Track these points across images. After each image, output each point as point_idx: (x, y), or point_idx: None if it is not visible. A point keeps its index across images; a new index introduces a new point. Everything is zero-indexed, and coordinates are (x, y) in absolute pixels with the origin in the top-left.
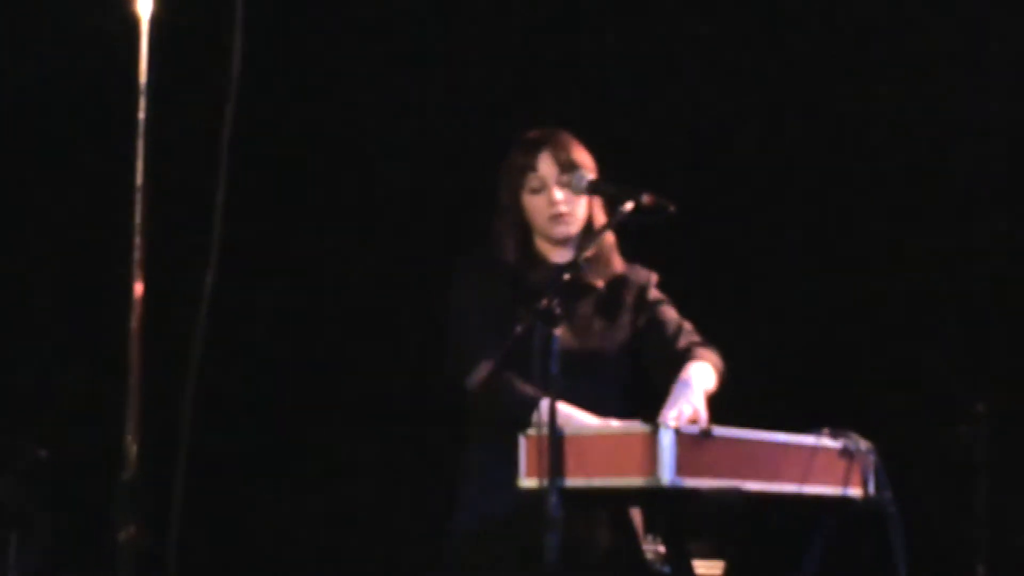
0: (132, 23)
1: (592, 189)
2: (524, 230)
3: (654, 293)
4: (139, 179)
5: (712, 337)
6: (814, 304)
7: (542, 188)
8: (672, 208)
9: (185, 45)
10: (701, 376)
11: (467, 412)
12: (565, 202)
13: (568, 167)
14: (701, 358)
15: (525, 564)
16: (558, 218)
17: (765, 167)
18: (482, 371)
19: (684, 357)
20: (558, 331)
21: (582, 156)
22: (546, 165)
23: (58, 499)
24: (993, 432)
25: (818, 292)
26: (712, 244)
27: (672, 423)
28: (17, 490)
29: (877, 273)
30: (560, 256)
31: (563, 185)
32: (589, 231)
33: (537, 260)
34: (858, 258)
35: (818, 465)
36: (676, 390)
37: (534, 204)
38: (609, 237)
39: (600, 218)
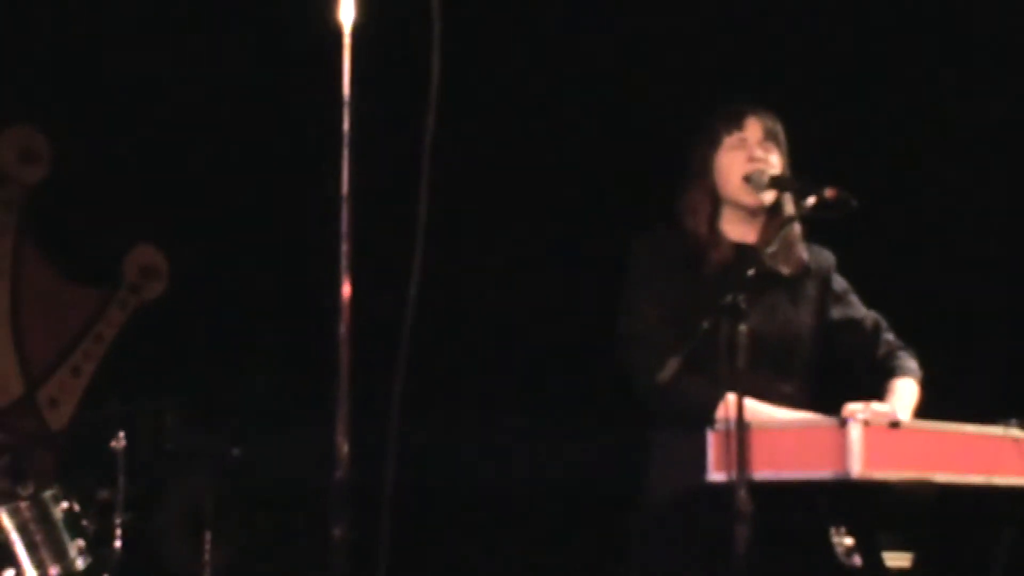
0: (335, 33)
1: (774, 184)
2: (714, 202)
3: (839, 282)
4: (345, 188)
5: (900, 327)
6: (1000, 294)
7: (741, 147)
8: (855, 203)
9: (385, 52)
10: (907, 396)
11: (649, 402)
12: (764, 159)
13: (771, 135)
14: (905, 372)
15: (714, 553)
16: (750, 176)
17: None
18: (671, 368)
19: (886, 364)
20: (746, 324)
21: (782, 132)
22: (752, 128)
23: (255, 498)
24: None
25: (1007, 284)
26: (898, 236)
27: (860, 416)
28: (210, 489)
29: None
30: (743, 234)
31: (746, 181)
32: (773, 219)
33: (720, 238)
34: None
35: (1007, 456)
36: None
37: (729, 160)
38: (795, 227)
39: (789, 208)
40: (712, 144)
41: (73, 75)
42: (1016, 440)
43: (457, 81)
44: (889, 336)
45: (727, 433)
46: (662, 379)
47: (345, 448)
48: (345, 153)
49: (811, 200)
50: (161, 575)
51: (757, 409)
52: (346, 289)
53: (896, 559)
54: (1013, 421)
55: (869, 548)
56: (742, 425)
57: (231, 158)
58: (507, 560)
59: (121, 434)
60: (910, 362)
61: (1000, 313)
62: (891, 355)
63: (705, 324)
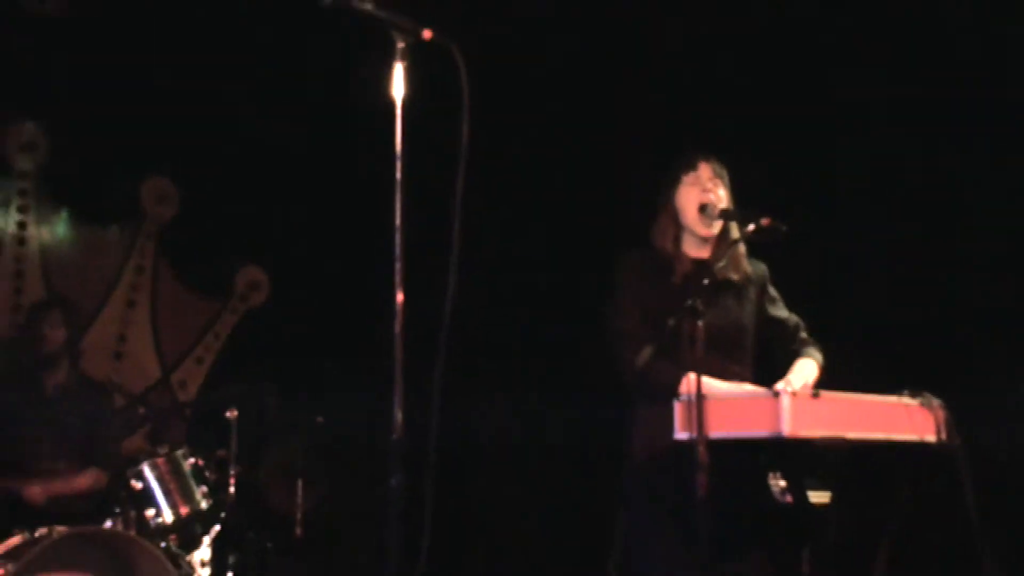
0: (391, 104)
1: (723, 216)
2: (677, 226)
3: (772, 290)
4: (398, 220)
5: (815, 323)
6: (894, 299)
7: (696, 183)
8: (784, 228)
9: (427, 119)
10: (807, 369)
11: (630, 382)
12: (713, 192)
13: (718, 174)
14: (808, 356)
15: (682, 493)
16: (705, 207)
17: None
18: (646, 355)
19: (798, 352)
20: (702, 322)
21: (726, 173)
22: (703, 169)
23: (334, 455)
24: None
25: (899, 291)
26: (817, 253)
27: (789, 390)
28: (301, 448)
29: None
30: (699, 252)
31: (700, 212)
32: (722, 240)
33: (682, 256)
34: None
35: (901, 418)
36: (789, 376)
37: (686, 194)
38: (740, 247)
39: (734, 232)
40: (674, 182)
41: (195, 138)
42: (908, 406)
43: (481, 139)
44: (803, 335)
45: (689, 403)
46: (639, 364)
47: (400, 416)
48: (398, 195)
49: (751, 227)
50: (264, 513)
51: (712, 384)
52: (399, 296)
53: (818, 497)
54: (905, 392)
55: (797, 489)
56: (701, 397)
57: (315, 201)
58: (524, 500)
59: (234, 407)
60: (815, 352)
61: (896, 313)
62: (803, 347)
63: (671, 322)
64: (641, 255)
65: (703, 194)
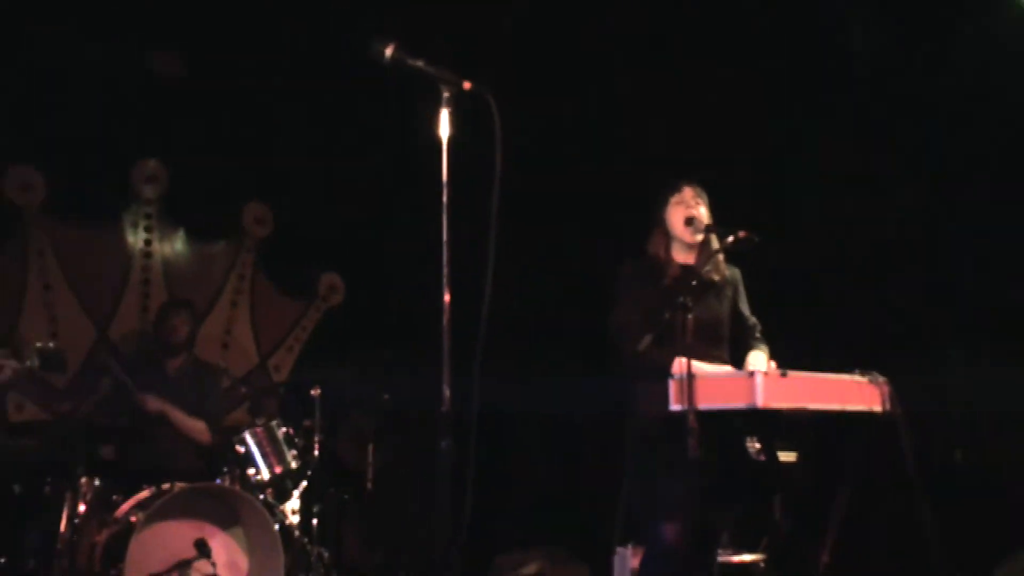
0: (437, 142)
1: (706, 230)
2: (668, 238)
3: (743, 291)
4: (445, 235)
5: (782, 316)
6: (851, 289)
7: (681, 202)
8: (757, 239)
9: (467, 154)
10: (760, 358)
11: (630, 365)
12: (696, 209)
13: (700, 195)
14: (760, 350)
15: (675, 454)
16: (691, 219)
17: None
18: (644, 344)
19: (752, 346)
20: (691, 315)
21: (705, 194)
22: (686, 191)
23: (397, 424)
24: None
25: (852, 282)
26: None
27: (761, 371)
28: (371, 420)
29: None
30: (686, 258)
31: (687, 224)
32: (706, 249)
33: (673, 262)
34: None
35: (854, 392)
36: (749, 360)
37: (674, 212)
38: (720, 255)
39: (715, 243)
40: (664, 203)
41: (286, 172)
42: (858, 382)
43: (512, 170)
44: (758, 334)
45: (681, 381)
46: (639, 350)
47: (448, 392)
48: (444, 215)
49: (730, 238)
50: (342, 472)
51: (699, 366)
52: (447, 297)
53: (786, 456)
54: (856, 371)
55: (769, 449)
56: (690, 376)
57: (380, 221)
58: (549, 460)
59: (317, 386)
60: (764, 347)
61: (850, 307)
62: (756, 343)
63: (667, 315)
64: (638, 263)
65: (688, 210)
